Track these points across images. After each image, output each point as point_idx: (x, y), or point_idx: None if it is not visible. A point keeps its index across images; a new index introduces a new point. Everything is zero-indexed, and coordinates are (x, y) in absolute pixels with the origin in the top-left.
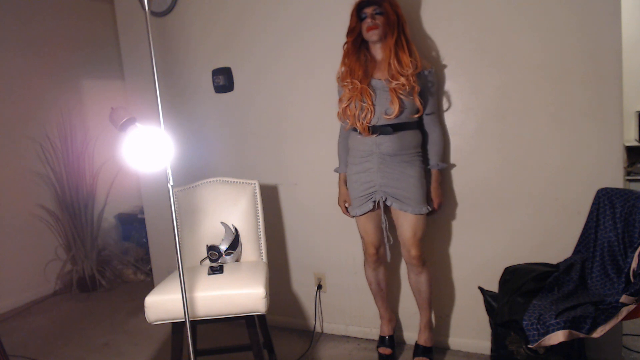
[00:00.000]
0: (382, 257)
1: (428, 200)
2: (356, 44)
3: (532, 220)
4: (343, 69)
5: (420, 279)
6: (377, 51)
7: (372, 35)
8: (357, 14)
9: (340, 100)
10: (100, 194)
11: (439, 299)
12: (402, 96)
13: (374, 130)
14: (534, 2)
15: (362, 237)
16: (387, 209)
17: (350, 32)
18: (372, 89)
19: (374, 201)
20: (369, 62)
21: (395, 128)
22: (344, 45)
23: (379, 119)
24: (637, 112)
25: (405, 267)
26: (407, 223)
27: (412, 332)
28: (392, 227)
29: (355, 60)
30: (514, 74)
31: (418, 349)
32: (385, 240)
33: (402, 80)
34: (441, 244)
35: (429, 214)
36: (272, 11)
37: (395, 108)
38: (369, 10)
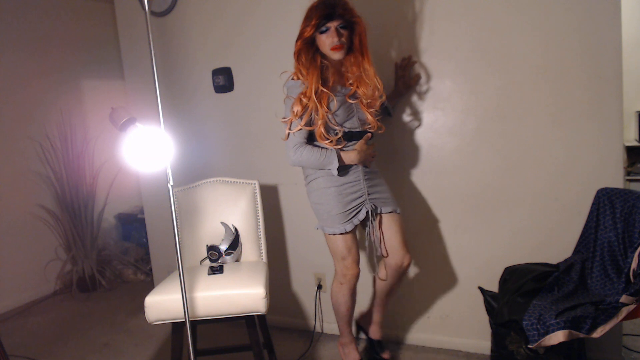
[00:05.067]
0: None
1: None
2: (310, 54)
3: (532, 220)
4: (305, 85)
5: (399, 283)
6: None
7: (335, 54)
8: (317, 24)
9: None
10: (100, 194)
11: (439, 299)
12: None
13: (358, 137)
14: (534, 2)
15: (341, 258)
16: (363, 223)
17: (303, 40)
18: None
19: (367, 211)
20: (325, 68)
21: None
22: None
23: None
24: (637, 112)
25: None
26: (396, 226)
27: (414, 333)
28: (361, 240)
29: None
30: (514, 74)
31: (377, 344)
32: (378, 252)
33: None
34: (441, 244)
35: None
36: (273, 11)
37: (369, 118)
38: (333, 24)
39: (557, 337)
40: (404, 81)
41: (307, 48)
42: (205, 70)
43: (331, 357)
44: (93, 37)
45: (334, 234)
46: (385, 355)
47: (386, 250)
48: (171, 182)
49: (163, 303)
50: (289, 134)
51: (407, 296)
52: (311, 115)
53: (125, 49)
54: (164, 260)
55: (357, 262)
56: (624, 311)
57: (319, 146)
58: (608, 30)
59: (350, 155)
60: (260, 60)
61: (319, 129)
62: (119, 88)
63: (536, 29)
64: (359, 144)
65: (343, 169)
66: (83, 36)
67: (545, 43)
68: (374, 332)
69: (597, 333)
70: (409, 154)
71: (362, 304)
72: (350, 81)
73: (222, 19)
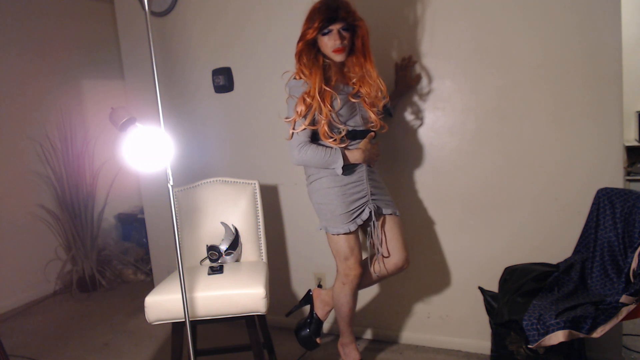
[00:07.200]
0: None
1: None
2: (311, 55)
3: (532, 220)
4: (308, 84)
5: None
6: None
7: (336, 57)
8: (319, 27)
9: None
10: (100, 194)
11: (439, 299)
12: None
13: (361, 135)
14: (534, 3)
15: (344, 258)
16: (365, 225)
17: (305, 42)
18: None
19: (370, 211)
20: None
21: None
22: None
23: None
24: (637, 112)
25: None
26: (397, 228)
27: (414, 333)
28: (363, 244)
29: (320, 70)
30: (514, 74)
31: (320, 326)
32: (381, 252)
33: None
34: (441, 244)
35: None
36: (273, 11)
37: (372, 116)
38: (335, 27)
39: (557, 337)
40: (405, 81)
41: (308, 49)
42: (205, 70)
43: (331, 357)
44: (93, 37)
45: (338, 234)
46: (319, 340)
47: (387, 251)
48: (171, 182)
49: (163, 303)
50: (292, 133)
51: (407, 296)
52: (315, 114)
53: (125, 49)
54: (164, 260)
55: (360, 262)
56: (624, 311)
57: (323, 145)
58: (608, 30)
59: (355, 154)
60: (260, 60)
61: (323, 128)
62: (119, 88)
63: (536, 29)
64: (363, 143)
65: (347, 168)
66: (83, 36)
67: (545, 43)
68: (326, 313)
69: (597, 333)
70: (410, 153)
71: (360, 302)
72: (353, 80)
73: (222, 19)
